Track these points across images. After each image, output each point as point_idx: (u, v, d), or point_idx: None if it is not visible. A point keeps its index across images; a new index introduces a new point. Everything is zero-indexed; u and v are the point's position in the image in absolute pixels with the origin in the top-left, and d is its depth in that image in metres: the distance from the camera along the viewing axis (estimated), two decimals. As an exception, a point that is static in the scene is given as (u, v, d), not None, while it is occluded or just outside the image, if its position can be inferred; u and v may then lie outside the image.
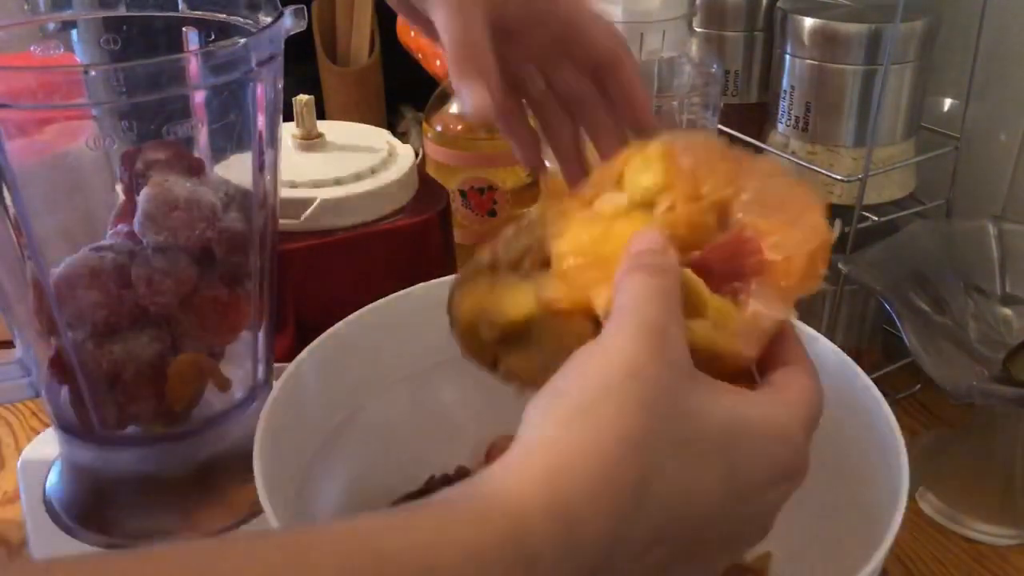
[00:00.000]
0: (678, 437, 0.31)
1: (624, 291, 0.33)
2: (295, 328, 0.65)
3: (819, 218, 0.37)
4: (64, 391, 0.51)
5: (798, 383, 0.35)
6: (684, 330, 0.33)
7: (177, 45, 0.52)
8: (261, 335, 0.53)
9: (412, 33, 0.93)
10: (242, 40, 0.45)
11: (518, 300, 0.38)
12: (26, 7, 0.52)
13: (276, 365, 0.56)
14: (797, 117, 0.65)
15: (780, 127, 0.67)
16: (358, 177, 0.67)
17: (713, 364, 0.34)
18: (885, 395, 0.45)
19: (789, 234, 0.37)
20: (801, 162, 0.65)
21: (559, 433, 0.30)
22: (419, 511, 0.29)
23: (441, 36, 0.41)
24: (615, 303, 0.33)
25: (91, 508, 0.54)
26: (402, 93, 1.05)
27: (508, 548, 0.28)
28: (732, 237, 0.38)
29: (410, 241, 0.68)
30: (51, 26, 0.51)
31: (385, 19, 0.99)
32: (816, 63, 0.63)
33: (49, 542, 0.53)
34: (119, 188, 0.49)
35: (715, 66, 0.64)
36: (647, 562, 0.31)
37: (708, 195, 0.38)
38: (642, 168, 0.39)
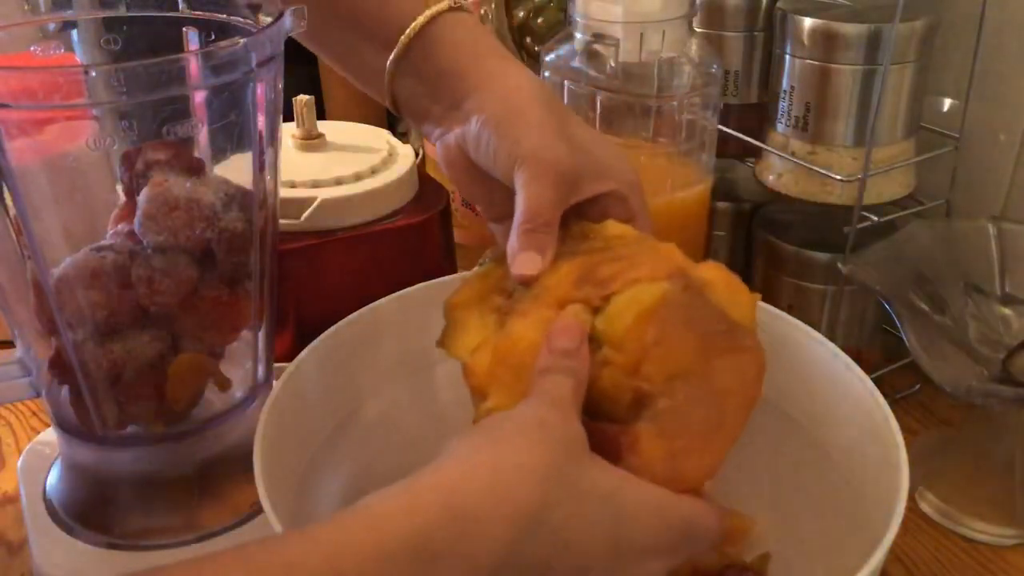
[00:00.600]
0: (576, 485, 0.34)
1: (540, 383, 0.38)
2: (295, 328, 0.65)
3: None
4: (64, 391, 0.51)
5: (693, 507, 0.38)
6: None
7: (177, 45, 0.52)
8: (261, 335, 0.54)
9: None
10: (242, 40, 0.45)
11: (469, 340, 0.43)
12: (26, 7, 0.52)
13: (276, 365, 0.56)
14: (797, 117, 0.65)
15: (780, 127, 0.67)
16: (358, 177, 0.67)
17: None
18: (885, 395, 0.45)
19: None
20: (801, 162, 0.65)
21: (469, 453, 0.34)
22: (326, 523, 0.31)
23: (519, 196, 0.44)
24: (534, 388, 0.38)
25: (91, 508, 0.54)
26: (402, 93, 1.05)
27: (409, 547, 0.30)
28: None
29: (410, 241, 0.68)
30: (51, 26, 0.51)
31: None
32: (816, 63, 0.63)
33: (49, 542, 0.53)
34: (119, 188, 0.49)
35: (715, 66, 0.64)
36: None
37: (643, 376, 0.39)
38: (625, 306, 0.40)
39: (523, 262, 0.43)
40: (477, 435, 0.35)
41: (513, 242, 0.43)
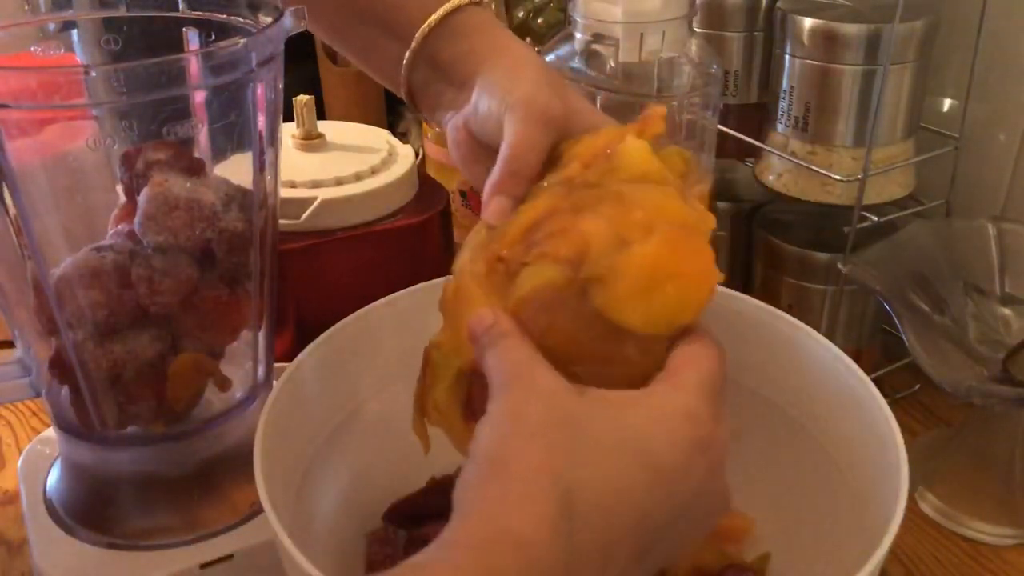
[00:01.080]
0: (579, 449, 0.33)
1: (486, 369, 0.37)
2: (295, 328, 0.65)
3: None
4: (64, 391, 0.51)
5: (684, 358, 0.37)
6: (546, 365, 0.36)
7: (177, 45, 0.52)
8: (261, 335, 0.54)
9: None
10: (242, 40, 0.45)
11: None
12: (26, 7, 0.52)
13: (276, 365, 0.56)
14: (797, 117, 0.65)
15: (780, 127, 0.67)
16: (358, 177, 0.67)
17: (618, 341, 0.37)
18: (885, 395, 0.45)
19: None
20: (801, 162, 0.65)
21: (482, 495, 0.33)
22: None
23: (505, 136, 0.44)
24: (489, 383, 0.37)
25: (91, 508, 0.54)
26: (402, 93, 1.05)
27: None
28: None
29: (410, 241, 0.68)
30: (51, 26, 0.51)
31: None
32: (816, 63, 0.63)
33: (49, 542, 0.53)
34: (119, 188, 0.49)
35: (715, 66, 0.64)
36: (618, 564, 0.33)
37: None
38: (518, 285, 0.39)
39: (493, 212, 0.42)
40: (477, 476, 0.34)
41: (491, 180, 0.43)
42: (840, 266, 0.63)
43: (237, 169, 0.50)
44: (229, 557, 0.51)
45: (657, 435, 0.35)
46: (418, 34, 0.49)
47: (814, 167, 0.65)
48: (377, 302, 0.53)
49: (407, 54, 0.50)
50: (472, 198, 0.82)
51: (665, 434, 0.35)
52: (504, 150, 0.43)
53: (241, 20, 0.50)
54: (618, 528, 0.33)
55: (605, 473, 0.33)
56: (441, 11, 0.48)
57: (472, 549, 0.31)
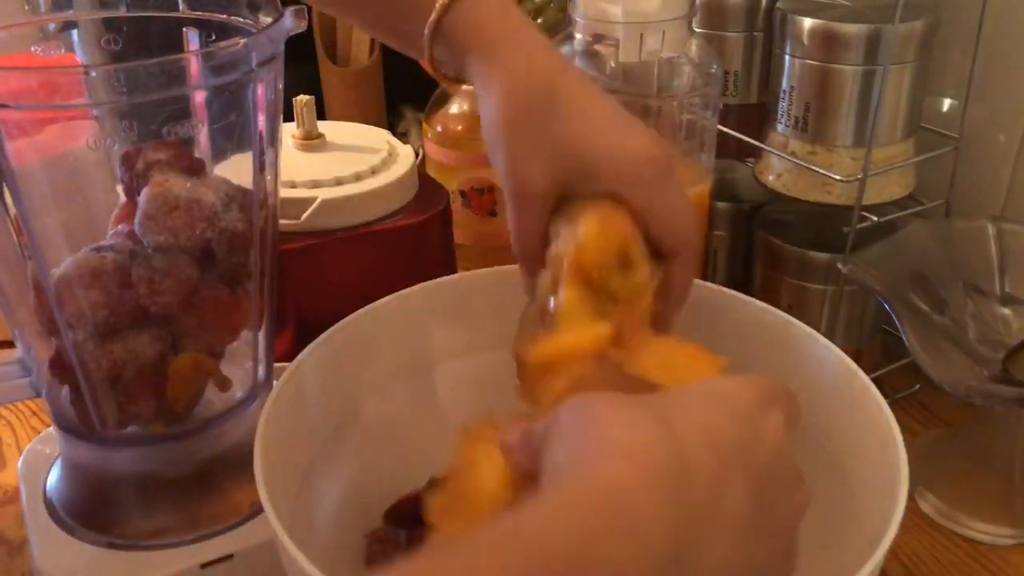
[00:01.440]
0: (663, 403, 0.34)
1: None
2: (295, 328, 0.65)
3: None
4: (64, 391, 0.51)
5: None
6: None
7: (177, 45, 0.52)
8: (261, 335, 0.54)
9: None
10: (242, 40, 0.45)
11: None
12: (27, 8, 0.52)
13: (276, 365, 0.56)
14: (796, 117, 0.65)
15: (779, 127, 0.67)
16: (358, 177, 0.67)
17: None
18: (885, 395, 0.45)
19: None
20: (800, 162, 0.65)
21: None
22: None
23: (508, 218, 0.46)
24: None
25: (91, 508, 0.54)
26: (402, 93, 1.05)
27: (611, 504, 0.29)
28: None
29: (410, 241, 0.68)
30: (52, 27, 0.51)
31: (385, 19, 0.99)
32: (815, 63, 0.63)
33: (49, 542, 0.53)
34: (119, 188, 0.49)
35: (715, 66, 0.64)
36: (734, 496, 0.32)
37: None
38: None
39: (525, 287, 0.46)
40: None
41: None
42: (840, 266, 0.63)
43: (237, 169, 0.50)
44: (229, 557, 0.51)
45: (729, 389, 0.36)
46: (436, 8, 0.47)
47: (814, 167, 0.65)
48: (377, 302, 0.53)
49: (426, 29, 0.47)
50: (472, 197, 0.82)
51: (736, 386, 0.36)
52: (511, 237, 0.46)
53: (241, 20, 0.50)
54: (723, 453, 0.33)
55: (694, 412, 0.34)
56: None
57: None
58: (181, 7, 0.52)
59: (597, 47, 0.62)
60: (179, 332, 0.50)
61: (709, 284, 0.54)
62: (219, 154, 0.50)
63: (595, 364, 0.42)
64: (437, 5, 0.47)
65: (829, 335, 0.50)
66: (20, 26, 0.51)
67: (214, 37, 0.51)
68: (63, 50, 0.51)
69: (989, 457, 0.61)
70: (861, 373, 0.46)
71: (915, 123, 0.66)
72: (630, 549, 0.28)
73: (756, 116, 0.71)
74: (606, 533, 0.28)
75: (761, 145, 0.69)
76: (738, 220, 0.76)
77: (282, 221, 0.60)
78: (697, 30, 0.69)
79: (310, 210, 0.64)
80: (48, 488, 0.56)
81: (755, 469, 0.33)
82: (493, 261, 0.57)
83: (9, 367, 0.52)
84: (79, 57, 0.52)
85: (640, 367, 0.42)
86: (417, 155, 0.77)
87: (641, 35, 0.60)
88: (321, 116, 0.76)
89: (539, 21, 0.89)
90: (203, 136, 0.48)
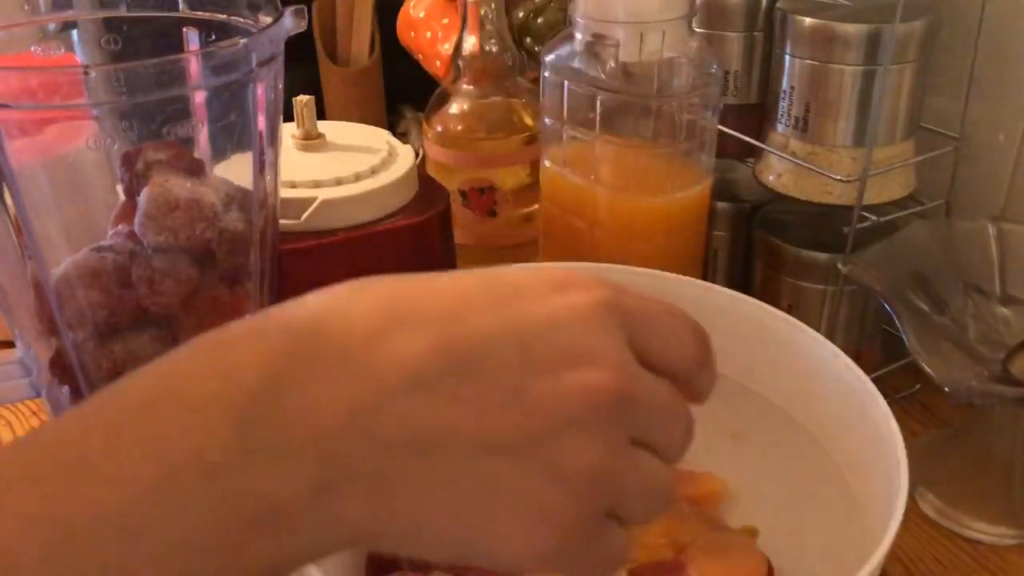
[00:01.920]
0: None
1: None
2: (295, 328, 0.65)
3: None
4: (64, 391, 0.51)
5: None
6: None
7: (177, 45, 0.52)
8: (261, 335, 0.53)
9: (412, 33, 0.93)
10: (242, 40, 0.45)
11: None
12: (26, 8, 0.52)
13: (276, 365, 0.56)
14: (796, 117, 0.65)
15: (779, 127, 0.67)
16: (358, 177, 0.67)
17: None
18: (885, 395, 0.45)
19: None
20: (800, 162, 0.65)
21: None
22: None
23: None
24: None
25: (91, 508, 0.54)
26: (402, 93, 1.05)
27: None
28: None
29: (410, 241, 0.68)
30: (52, 27, 0.51)
31: (385, 19, 0.99)
32: (815, 63, 0.63)
33: (49, 542, 0.52)
34: (119, 188, 0.49)
35: (715, 66, 0.64)
36: (404, 341, 0.28)
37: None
38: None
39: None
40: None
41: None
42: (840, 266, 0.63)
43: (237, 169, 0.50)
44: (229, 557, 0.51)
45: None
46: None
47: (814, 167, 0.65)
48: (377, 302, 0.53)
49: None
50: (472, 197, 0.82)
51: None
52: None
53: (241, 20, 0.50)
54: (409, 305, 0.29)
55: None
56: None
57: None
58: (181, 7, 0.52)
59: (597, 47, 0.62)
60: (179, 332, 0.50)
61: (709, 284, 0.54)
62: (219, 154, 0.50)
63: None
64: None
65: (829, 335, 0.50)
66: (20, 26, 0.51)
67: (214, 37, 0.51)
68: (63, 50, 0.51)
69: (989, 457, 0.61)
70: (861, 373, 0.46)
71: (915, 123, 0.66)
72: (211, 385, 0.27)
73: (756, 116, 0.70)
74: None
75: (761, 145, 0.69)
76: (738, 220, 0.76)
77: (282, 221, 0.60)
78: (697, 30, 0.69)
79: (310, 210, 0.64)
80: (48, 488, 0.56)
81: (472, 329, 0.29)
82: (493, 261, 0.57)
83: (9, 367, 0.53)
84: (79, 57, 0.52)
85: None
86: (417, 155, 0.77)
87: (641, 35, 0.60)
88: (321, 116, 0.76)
89: (539, 21, 0.89)
90: (203, 136, 0.48)
